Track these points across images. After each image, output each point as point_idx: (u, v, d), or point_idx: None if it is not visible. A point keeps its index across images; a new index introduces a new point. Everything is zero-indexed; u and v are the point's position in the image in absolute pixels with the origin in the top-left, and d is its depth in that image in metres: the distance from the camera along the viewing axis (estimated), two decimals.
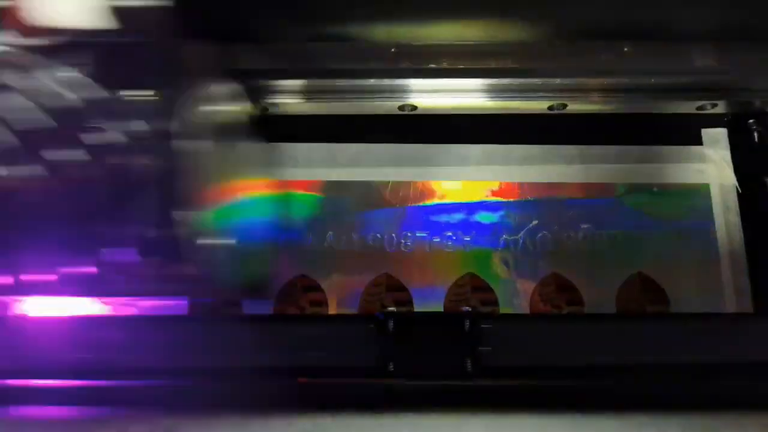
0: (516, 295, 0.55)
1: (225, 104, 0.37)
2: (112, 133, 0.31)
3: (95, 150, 0.30)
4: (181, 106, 0.31)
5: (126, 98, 0.31)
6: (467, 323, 0.46)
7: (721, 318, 0.51)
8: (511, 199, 0.57)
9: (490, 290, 0.55)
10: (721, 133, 0.56)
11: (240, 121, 0.39)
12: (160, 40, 0.32)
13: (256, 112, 0.46)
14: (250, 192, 0.50)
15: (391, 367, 0.45)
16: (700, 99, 0.46)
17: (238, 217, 0.43)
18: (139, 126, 0.30)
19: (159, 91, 0.31)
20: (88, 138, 0.30)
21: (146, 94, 0.31)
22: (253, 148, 0.43)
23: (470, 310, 0.48)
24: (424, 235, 0.57)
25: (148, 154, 0.30)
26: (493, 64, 0.42)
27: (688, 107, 0.47)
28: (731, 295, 0.54)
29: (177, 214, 0.30)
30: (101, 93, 0.31)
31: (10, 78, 0.31)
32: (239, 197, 0.44)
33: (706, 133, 0.57)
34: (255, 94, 0.46)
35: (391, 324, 0.46)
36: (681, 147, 0.57)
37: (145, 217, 0.31)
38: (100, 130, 0.31)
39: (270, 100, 0.47)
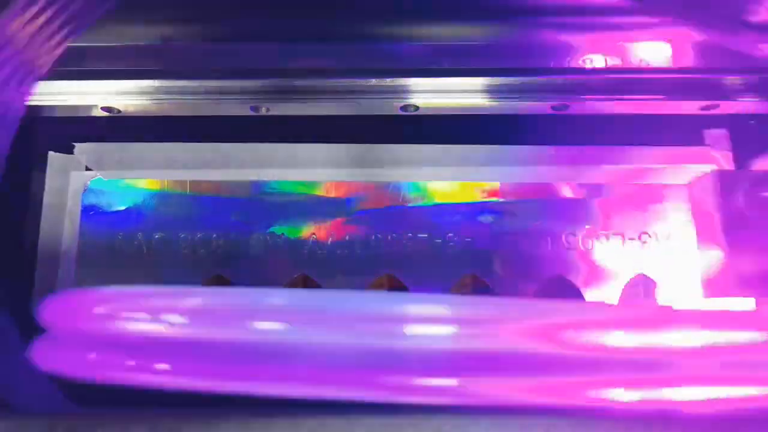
0: (518, 296, 0.55)
1: None
2: None
3: None
4: None
5: None
6: None
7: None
8: (513, 200, 0.57)
9: (492, 291, 0.54)
10: (724, 134, 0.56)
11: None
12: None
13: None
14: None
15: None
16: (703, 99, 0.46)
17: None
18: None
19: None
20: None
21: None
22: None
23: None
24: (426, 236, 0.57)
25: None
26: (494, 64, 0.42)
27: (690, 107, 0.47)
28: None
29: None
30: None
31: None
32: None
33: (709, 134, 0.57)
34: None
35: None
36: (684, 148, 0.57)
37: None
38: None
39: None
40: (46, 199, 0.55)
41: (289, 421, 0.17)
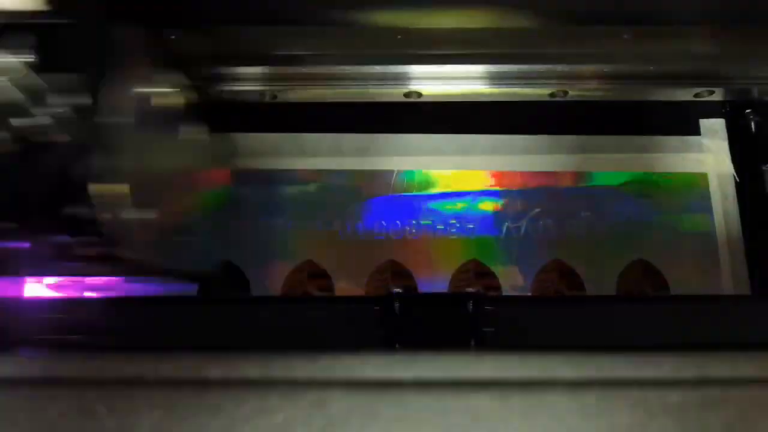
0: (519, 281, 0.56)
1: (163, 89, 0.37)
2: (39, 114, 0.30)
3: (23, 130, 0.30)
4: (108, 87, 0.31)
5: (54, 79, 0.31)
6: (471, 304, 0.48)
7: (719, 300, 0.53)
8: (514, 188, 0.58)
9: (494, 276, 0.56)
10: (719, 123, 0.58)
11: (182, 109, 0.40)
12: (91, 21, 0.32)
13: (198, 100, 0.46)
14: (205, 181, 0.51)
15: (396, 347, 0.47)
16: (697, 86, 0.48)
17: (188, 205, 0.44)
18: (65, 106, 0.30)
19: (87, 73, 0.31)
20: (16, 120, 0.30)
21: (73, 75, 0.30)
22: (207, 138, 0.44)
23: (474, 291, 0.49)
24: (429, 222, 0.58)
25: (71, 133, 0.30)
26: (495, 50, 0.43)
27: (685, 94, 0.49)
28: (729, 281, 0.56)
29: (95, 193, 0.30)
30: (31, 75, 0.31)
31: None
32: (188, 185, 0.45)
33: (704, 123, 0.58)
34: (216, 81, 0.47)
35: (397, 305, 0.48)
36: (680, 137, 0.58)
37: (72, 197, 0.31)
38: (28, 111, 0.30)
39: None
40: None
41: (306, 357, 0.19)
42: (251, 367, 0.19)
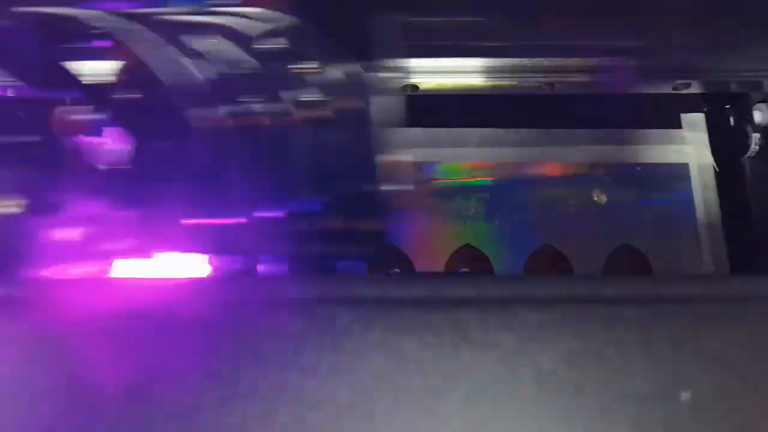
0: (511, 265, 0.59)
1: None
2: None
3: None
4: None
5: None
6: None
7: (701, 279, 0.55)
8: (507, 178, 0.62)
9: (487, 260, 0.59)
10: (699, 117, 0.62)
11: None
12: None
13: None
14: None
15: None
16: (674, 78, 0.51)
17: None
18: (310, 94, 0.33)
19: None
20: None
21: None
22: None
23: (468, 270, 0.52)
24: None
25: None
26: (484, 42, 0.47)
27: (663, 87, 0.52)
28: (710, 265, 0.59)
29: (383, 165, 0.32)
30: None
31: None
32: None
33: (685, 117, 0.62)
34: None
35: None
36: (662, 130, 0.62)
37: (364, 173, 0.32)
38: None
39: None
40: None
41: (315, 279, 0.22)
42: (265, 290, 0.22)
